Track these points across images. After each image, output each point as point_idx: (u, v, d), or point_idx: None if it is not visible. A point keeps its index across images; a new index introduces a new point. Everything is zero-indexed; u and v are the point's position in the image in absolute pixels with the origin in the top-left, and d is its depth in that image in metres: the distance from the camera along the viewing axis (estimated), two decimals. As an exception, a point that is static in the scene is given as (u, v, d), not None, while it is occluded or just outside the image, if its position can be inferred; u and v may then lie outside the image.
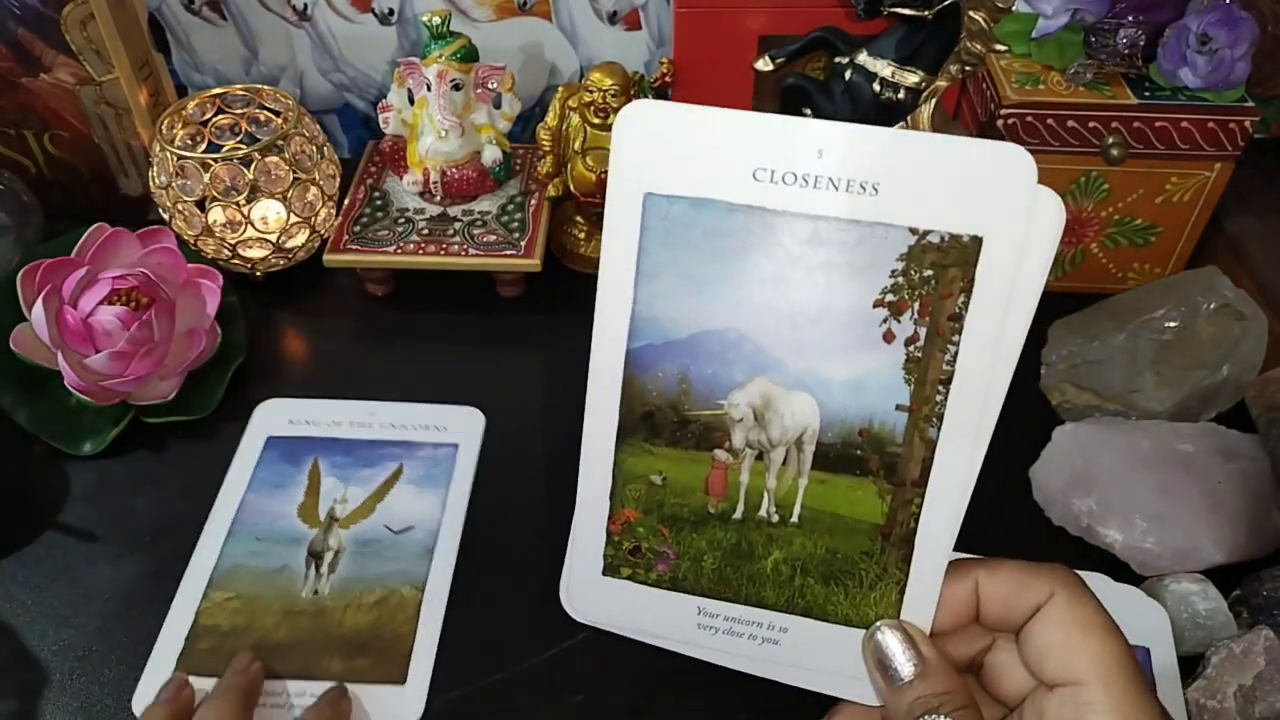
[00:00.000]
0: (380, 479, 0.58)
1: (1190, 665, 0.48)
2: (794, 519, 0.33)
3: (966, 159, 0.29)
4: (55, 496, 0.58)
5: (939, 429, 0.31)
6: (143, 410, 0.60)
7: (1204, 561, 0.52)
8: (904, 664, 0.31)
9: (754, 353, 0.31)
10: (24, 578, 0.54)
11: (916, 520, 0.32)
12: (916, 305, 0.30)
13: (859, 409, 0.32)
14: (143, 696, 0.49)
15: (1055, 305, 0.65)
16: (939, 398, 0.31)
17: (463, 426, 0.61)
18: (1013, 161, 0.29)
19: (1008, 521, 0.56)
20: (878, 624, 0.32)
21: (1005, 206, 0.29)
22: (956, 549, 0.53)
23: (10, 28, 0.66)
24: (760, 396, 0.32)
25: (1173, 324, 0.58)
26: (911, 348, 0.31)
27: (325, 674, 0.49)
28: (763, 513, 0.33)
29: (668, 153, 0.30)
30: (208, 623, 0.51)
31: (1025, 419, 0.61)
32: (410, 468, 0.59)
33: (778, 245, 0.30)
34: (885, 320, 0.31)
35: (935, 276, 0.30)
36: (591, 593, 0.35)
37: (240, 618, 0.51)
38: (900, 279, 0.30)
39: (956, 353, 0.30)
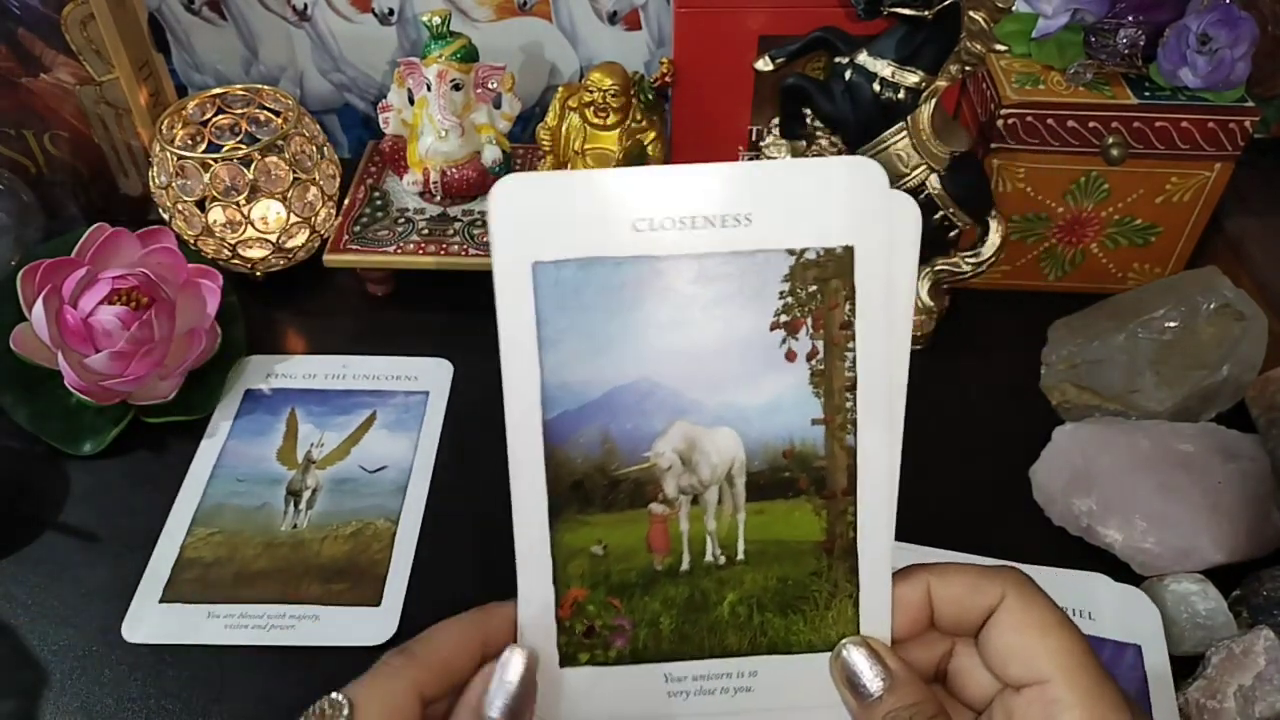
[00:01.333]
0: (354, 424, 0.62)
1: (1190, 665, 0.48)
2: (740, 556, 0.33)
3: (824, 177, 0.31)
4: (55, 496, 0.58)
5: (855, 434, 0.32)
6: (143, 410, 0.60)
7: (1204, 561, 0.52)
8: (872, 680, 0.31)
9: (669, 398, 0.32)
10: (24, 578, 0.54)
11: (854, 529, 0.33)
12: (810, 320, 0.31)
13: (778, 431, 0.32)
14: (131, 625, 0.51)
15: (1055, 305, 0.66)
16: (848, 404, 0.32)
17: (433, 375, 0.65)
18: (865, 172, 0.30)
19: (1008, 521, 0.57)
20: (842, 643, 0.32)
21: (867, 213, 0.31)
22: (958, 550, 0.53)
23: (10, 28, 0.66)
24: (684, 440, 0.32)
25: (1173, 324, 0.58)
26: (813, 361, 0.32)
27: (304, 598, 0.53)
28: (709, 557, 0.33)
29: (549, 220, 0.31)
30: (192, 555, 0.55)
31: (1025, 419, 0.61)
32: (383, 414, 0.62)
33: (670, 289, 0.31)
34: (784, 340, 0.32)
35: (820, 290, 0.31)
36: (551, 690, 0.34)
37: (223, 550, 0.55)
38: (790, 299, 0.31)
39: (855, 358, 0.32)
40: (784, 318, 0.31)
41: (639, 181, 0.31)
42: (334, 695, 0.29)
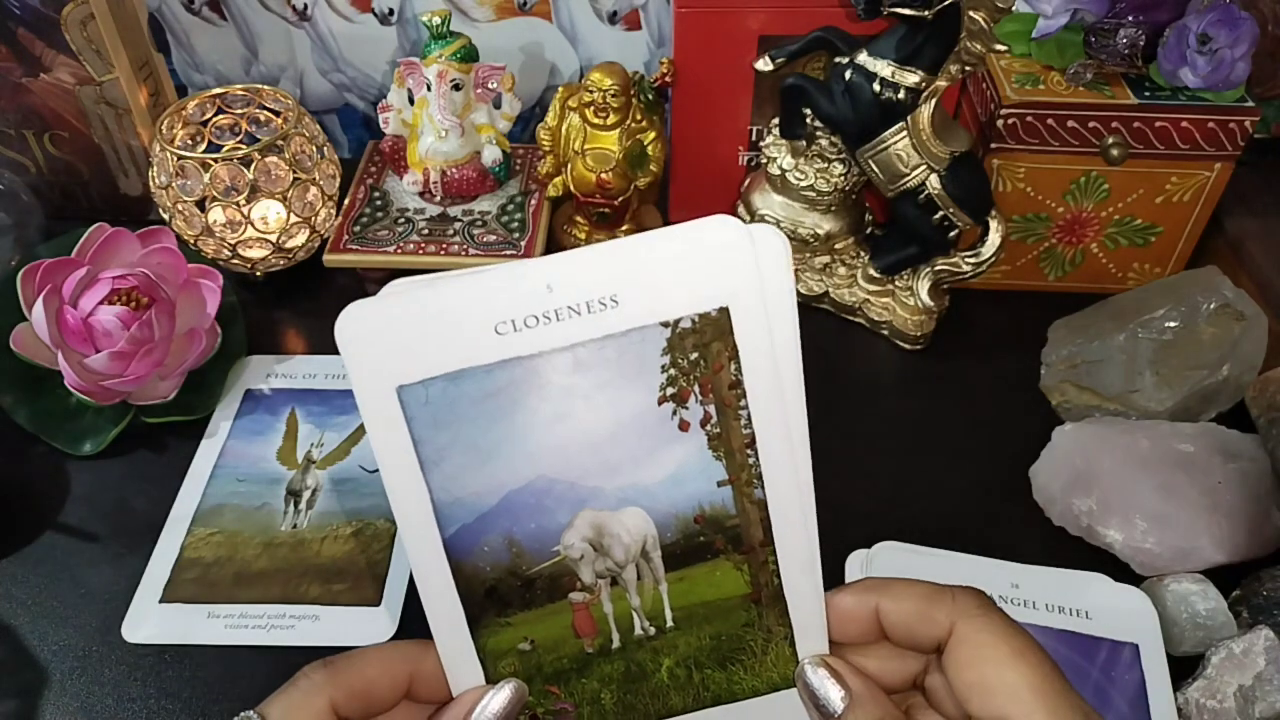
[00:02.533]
0: (354, 424, 0.62)
1: (1190, 665, 0.48)
2: (669, 624, 0.33)
3: (687, 242, 0.29)
4: (55, 496, 0.58)
5: (763, 486, 0.31)
6: (143, 410, 0.60)
7: (1204, 561, 0.52)
8: (834, 698, 0.31)
9: (568, 491, 0.31)
10: (24, 578, 0.54)
11: (778, 575, 0.32)
12: (697, 388, 0.30)
13: (686, 500, 0.31)
14: (131, 625, 0.51)
15: (1055, 305, 0.66)
16: (751, 461, 0.31)
17: None
18: (722, 230, 0.29)
19: (1008, 521, 0.57)
20: (803, 661, 0.32)
21: (734, 270, 0.29)
22: (958, 550, 0.53)
23: (10, 28, 0.66)
24: (591, 528, 0.31)
25: (1173, 324, 0.58)
26: (708, 427, 0.31)
27: (304, 598, 0.53)
28: (639, 632, 0.33)
29: (404, 342, 0.29)
30: (192, 555, 0.55)
31: (1025, 419, 0.61)
32: None
33: (547, 385, 0.30)
34: (675, 412, 0.31)
35: (702, 356, 0.30)
36: None
37: (223, 550, 0.55)
38: (673, 370, 0.30)
39: (750, 414, 0.31)
40: (670, 389, 0.30)
41: (491, 284, 0.29)
42: (247, 712, 0.29)
